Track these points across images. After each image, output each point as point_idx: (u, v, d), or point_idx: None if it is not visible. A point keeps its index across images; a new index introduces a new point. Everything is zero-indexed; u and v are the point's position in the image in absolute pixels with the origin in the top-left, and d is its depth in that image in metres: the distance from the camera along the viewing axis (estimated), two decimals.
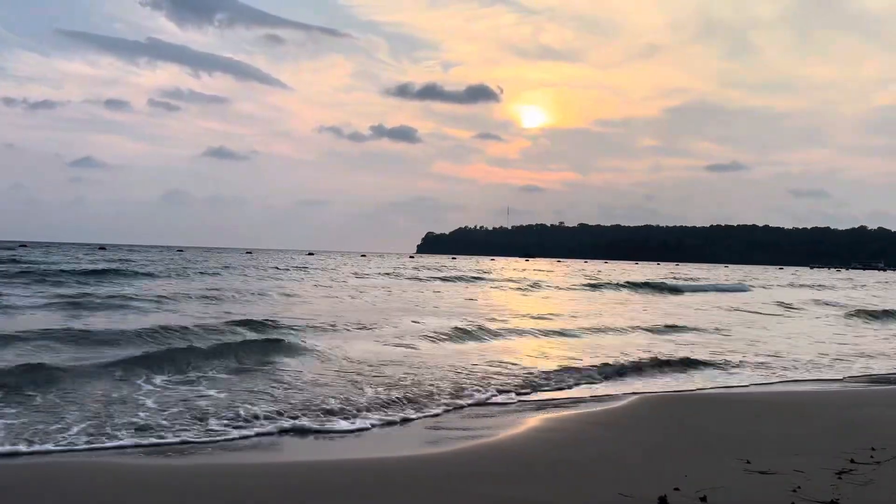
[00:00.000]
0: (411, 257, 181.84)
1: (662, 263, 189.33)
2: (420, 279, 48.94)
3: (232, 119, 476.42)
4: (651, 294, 42.26)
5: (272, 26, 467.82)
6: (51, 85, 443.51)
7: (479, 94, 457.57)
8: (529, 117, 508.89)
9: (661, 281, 52.23)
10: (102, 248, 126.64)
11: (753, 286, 54.95)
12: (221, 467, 6.53)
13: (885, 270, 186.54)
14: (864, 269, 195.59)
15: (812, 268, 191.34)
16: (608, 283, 47.86)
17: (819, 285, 62.97)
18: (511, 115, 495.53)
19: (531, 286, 44.28)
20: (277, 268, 59.87)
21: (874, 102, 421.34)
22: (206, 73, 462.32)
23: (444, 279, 49.91)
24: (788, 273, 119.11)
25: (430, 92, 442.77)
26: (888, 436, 7.99)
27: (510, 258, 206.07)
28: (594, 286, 45.55)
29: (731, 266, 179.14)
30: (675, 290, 45.20)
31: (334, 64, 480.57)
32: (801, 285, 62.34)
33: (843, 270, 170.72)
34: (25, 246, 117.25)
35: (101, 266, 43.91)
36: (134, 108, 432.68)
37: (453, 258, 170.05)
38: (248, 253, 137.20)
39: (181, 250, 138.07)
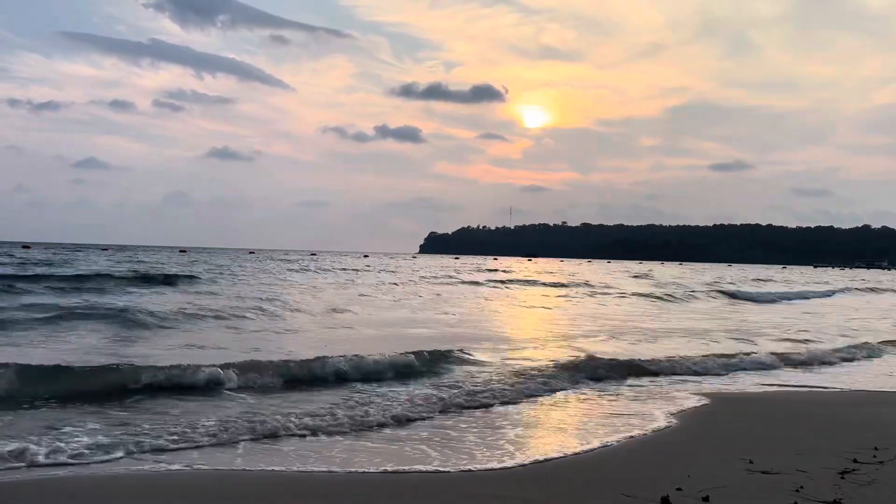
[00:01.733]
0: (414, 257, 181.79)
1: (666, 263, 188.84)
2: (492, 284, 44.07)
3: (235, 120, 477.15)
4: (755, 303, 36.40)
5: (274, 27, 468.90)
6: (53, 86, 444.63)
7: (483, 94, 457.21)
8: (531, 117, 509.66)
9: (737, 288, 45.51)
10: (105, 248, 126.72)
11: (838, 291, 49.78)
12: None
13: (889, 269, 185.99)
14: (867, 268, 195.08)
15: (815, 267, 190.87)
16: (699, 291, 41.23)
17: (876, 287, 58.56)
18: (513, 115, 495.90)
19: (643, 295, 37.42)
20: (335, 269, 57.87)
21: (876, 101, 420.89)
22: (208, 73, 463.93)
23: (507, 282, 45.42)
24: (812, 272, 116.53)
25: (433, 92, 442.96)
26: (891, 435, 7.98)
27: (513, 258, 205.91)
28: (693, 293, 39.36)
29: (733, 265, 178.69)
30: (770, 298, 39.68)
31: (336, 64, 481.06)
32: (879, 289, 57.15)
33: (846, 269, 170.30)
34: (28, 247, 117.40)
35: (173, 270, 41.02)
36: (137, 109, 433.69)
37: (456, 258, 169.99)
38: (250, 253, 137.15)
39: (183, 251, 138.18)
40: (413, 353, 12.29)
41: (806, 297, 43.12)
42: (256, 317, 19.70)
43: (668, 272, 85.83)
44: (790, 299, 41.14)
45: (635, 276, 64.63)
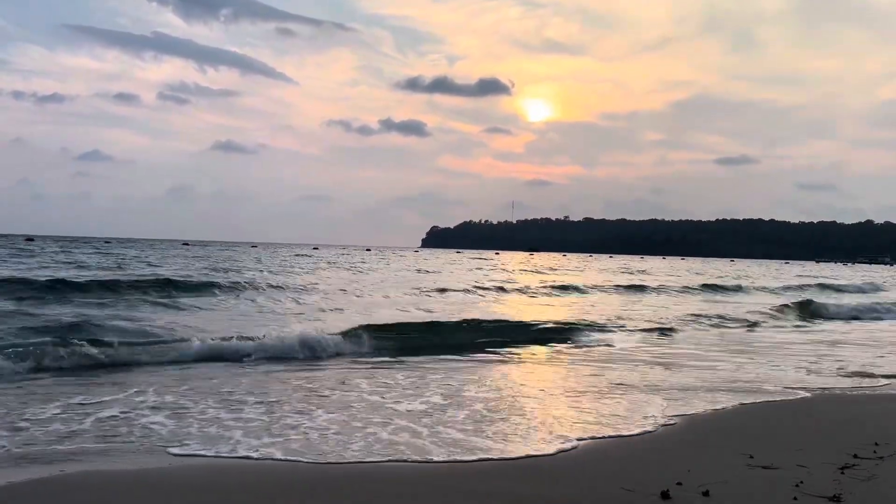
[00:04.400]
0: (416, 251, 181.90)
1: (668, 258, 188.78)
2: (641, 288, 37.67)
3: (238, 113, 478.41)
4: None
5: (277, 20, 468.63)
6: (57, 79, 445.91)
7: (488, 87, 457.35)
8: (535, 111, 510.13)
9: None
10: (108, 241, 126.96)
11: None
12: None
13: (892, 265, 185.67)
14: (870, 263, 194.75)
15: (818, 262, 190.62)
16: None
17: None
18: (516, 109, 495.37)
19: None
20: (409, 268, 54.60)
21: (880, 96, 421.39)
22: (211, 67, 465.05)
23: (647, 287, 37.98)
24: (827, 268, 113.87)
25: (438, 86, 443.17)
26: (891, 431, 7.97)
27: (515, 252, 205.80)
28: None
29: (736, 260, 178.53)
30: None
31: (340, 58, 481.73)
32: None
33: (849, 265, 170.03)
34: (32, 240, 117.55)
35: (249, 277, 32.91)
36: (141, 102, 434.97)
37: (458, 252, 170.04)
38: (252, 247, 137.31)
39: (186, 244, 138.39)
40: None
41: None
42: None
43: (755, 272, 77.51)
44: None
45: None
